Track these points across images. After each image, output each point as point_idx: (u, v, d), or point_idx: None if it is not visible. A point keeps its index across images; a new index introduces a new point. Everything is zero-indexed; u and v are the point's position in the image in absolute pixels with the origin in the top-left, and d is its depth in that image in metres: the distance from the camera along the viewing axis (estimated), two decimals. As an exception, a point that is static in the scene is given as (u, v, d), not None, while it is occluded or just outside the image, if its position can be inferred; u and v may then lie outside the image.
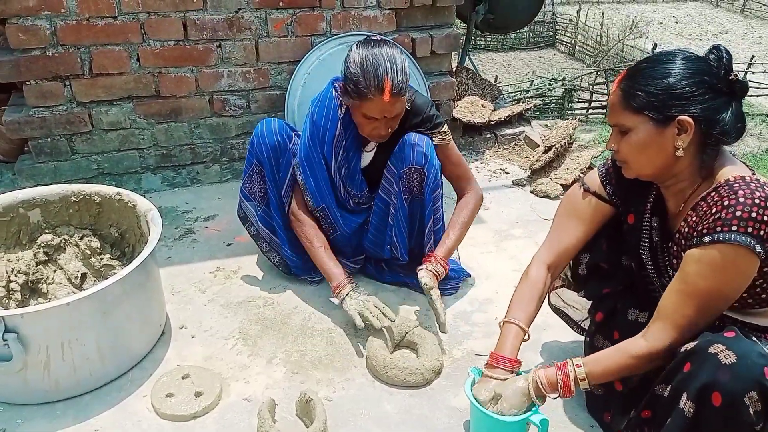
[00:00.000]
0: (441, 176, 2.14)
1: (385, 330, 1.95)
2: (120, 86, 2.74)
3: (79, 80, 2.67)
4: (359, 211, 2.22)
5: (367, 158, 2.18)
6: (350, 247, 2.28)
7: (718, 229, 1.29)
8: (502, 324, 1.64)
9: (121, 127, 2.82)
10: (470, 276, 2.36)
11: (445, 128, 2.14)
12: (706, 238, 1.31)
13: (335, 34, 2.94)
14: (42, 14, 2.53)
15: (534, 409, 1.52)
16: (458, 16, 3.73)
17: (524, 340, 1.61)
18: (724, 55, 1.35)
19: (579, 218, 1.65)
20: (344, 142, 2.08)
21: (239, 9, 2.76)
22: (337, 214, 2.16)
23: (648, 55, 1.44)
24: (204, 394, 1.77)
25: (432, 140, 2.07)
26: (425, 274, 1.99)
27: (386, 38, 1.98)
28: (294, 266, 2.29)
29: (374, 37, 1.95)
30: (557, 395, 1.48)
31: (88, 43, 2.62)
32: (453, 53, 3.31)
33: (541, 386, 1.48)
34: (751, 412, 1.23)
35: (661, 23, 18.59)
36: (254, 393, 1.82)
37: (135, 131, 2.85)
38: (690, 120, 1.31)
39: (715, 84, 1.32)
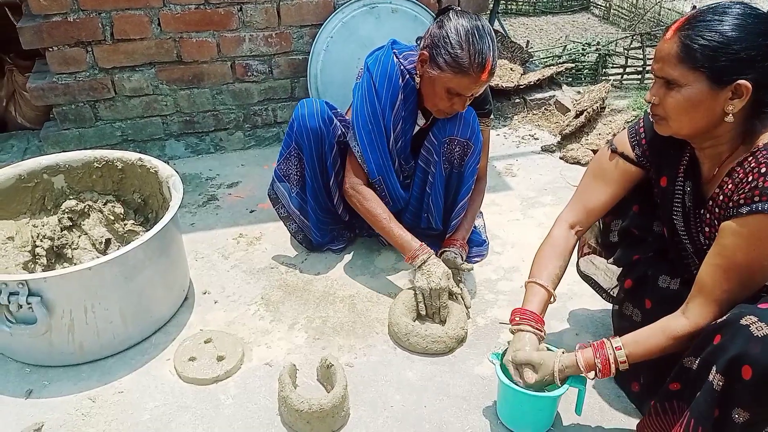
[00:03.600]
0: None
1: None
2: (141, 52, 2.71)
3: (100, 46, 2.66)
4: (406, 185, 2.17)
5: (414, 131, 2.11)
6: None
7: (756, 198, 1.21)
8: (525, 284, 1.60)
9: (143, 93, 2.81)
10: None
11: (492, 117, 2.15)
12: (744, 209, 1.24)
13: (358, -4, 2.86)
14: (63, -22, 2.51)
15: (568, 380, 1.49)
16: (487, -24, 3.59)
17: (550, 302, 1.57)
18: None
19: (604, 179, 1.59)
20: (403, 113, 2.00)
21: (260, -30, 2.71)
22: (396, 185, 2.09)
23: (716, 3, 1.30)
24: (226, 358, 1.77)
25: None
26: (456, 257, 2.03)
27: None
28: (318, 244, 2.28)
29: (458, 8, 1.83)
30: (594, 376, 1.44)
31: (109, 8, 2.59)
32: (481, 14, 3.20)
33: (580, 368, 1.44)
34: None
35: (702, -15, 17.82)
36: (276, 358, 1.82)
37: (158, 97, 2.84)
38: (749, 85, 1.21)
39: None
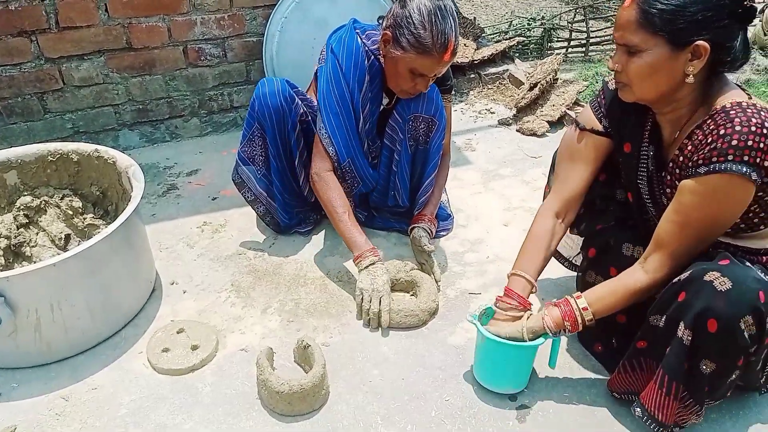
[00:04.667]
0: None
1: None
2: (89, 39, 2.62)
3: (45, 35, 2.56)
4: (374, 165, 2.16)
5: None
6: (359, 199, 2.25)
7: (714, 159, 1.27)
8: (509, 275, 1.64)
9: (93, 82, 2.72)
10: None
11: (453, 93, 2.12)
12: (702, 169, 1.29)
13: (310, -25, 2.83)
14: (-1, -35, 2.40)
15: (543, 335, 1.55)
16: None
17: (531, 292, 1.62)
18: None
19: (581, 160, 1.62)
20: (369, 95, 1.98)
21: (208, -49, 2.64)
22: (365, 166, 2.08)
23: None
24: (200, 347, 1.76)
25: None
26: (424, 234, 2.03)
27: None
28: (285, 226, 2.27)
29: None
30: (565, 332, 1.50)
31: (52, -6, 2.50)
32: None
33: (548, 329, 1.50)
34: (746, 336, 1.25)
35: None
36: (251, 343, 1.81)
37: (109, 86, 2.75)
38: (707, 45, 1.26)
39: (734, 9, 1.26)
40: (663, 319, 1.35)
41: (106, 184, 2.13)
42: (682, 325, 1.29)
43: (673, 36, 1.27)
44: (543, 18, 4.67)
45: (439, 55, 1.77)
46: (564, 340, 1.78)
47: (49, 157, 2.07)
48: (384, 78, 1.98)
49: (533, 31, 4.51)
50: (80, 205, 2.12)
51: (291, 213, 2.24)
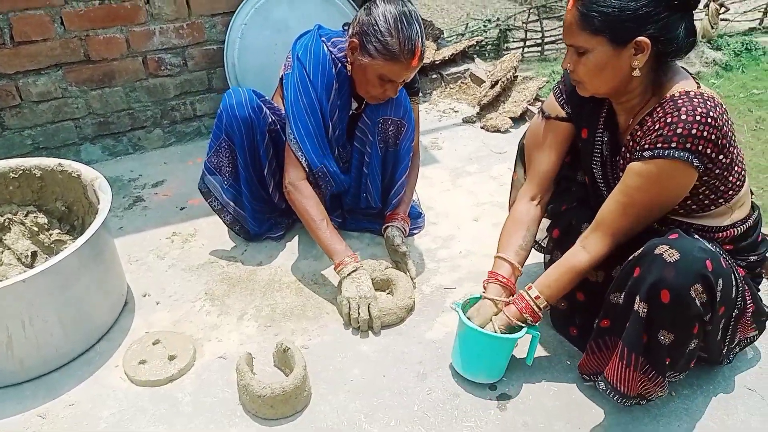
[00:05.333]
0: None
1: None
2: (46, 53, 2.57)
3: (1, 50, 2.49)
4: (345, 170, 2.17)
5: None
6: (330, 203, 2.24)
7: (659, 145, 1.34)
8: (494, 259, 1.71)
9: (52, 97, 2.67)
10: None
11: (421, 95, 2.15)
12: (647, 153, 1.36)
13: (268, -19, 2.83)
14: (-53, -20, 2.34)
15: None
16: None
17: (516, 275, 1.68)
18: None
19: (548, 146, 1.68)
20: (338, 102, 1.99)
21: (163, -40, 2.62)
22: (337, 172, 2.07)
23: None
24: (178, 356, 1.74)
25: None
26: (398, 234, 2.05)
27: None
28: (255, 234, 2.26)
29: None
30: (529, 322, 1.57)
31: (5, 9, 2.44)
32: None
33: (514, 323, 1.58)
34: (698, 304, 1.31)
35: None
36: (229, 350, 1.81)
37: (68, 100, 2.70)
38: (647, 41, 1.32)
39: (671, 1, 1.32)
40: (622, 296, 1.41)
41: (71, 198, 2.09)
42: (637, 299, 1.35)
43: (613, 35, 1.34)
44: (498, 19, 4.78)
45: (407, 60, 1.80)
46: (539, 324, 1.82)
47: (11, 174, 2.02)
48: (352, 84, 1.99)
49: (489, 32, 4.60)
50: (45, 221, 2.08)
51: (261, 220, 2.24)
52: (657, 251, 1.33)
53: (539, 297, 1.55)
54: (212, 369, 1.75)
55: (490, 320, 1.60)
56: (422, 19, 3.88)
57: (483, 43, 4.35)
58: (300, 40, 2.00)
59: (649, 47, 1.33)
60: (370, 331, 1.85)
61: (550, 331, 1.83)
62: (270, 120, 2.06)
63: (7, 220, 2.01)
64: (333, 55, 1.94)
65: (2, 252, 2.00)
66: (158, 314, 1.96)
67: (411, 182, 2.22)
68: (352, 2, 2.94)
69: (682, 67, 1.44)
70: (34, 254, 2.04)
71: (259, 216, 2.22)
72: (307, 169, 1.99)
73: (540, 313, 1.57)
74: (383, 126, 2.04)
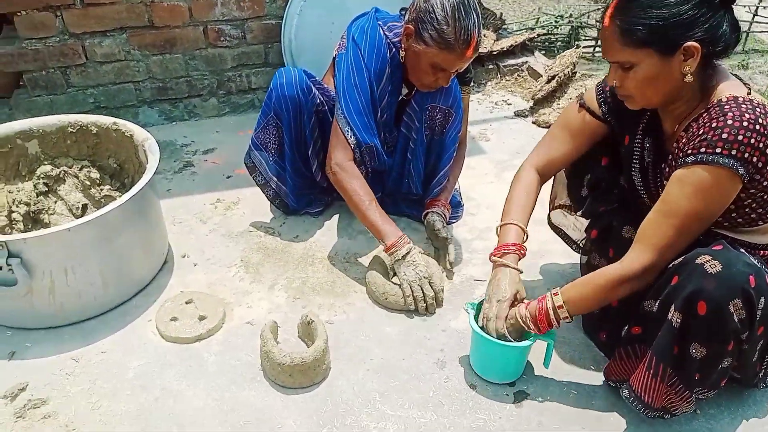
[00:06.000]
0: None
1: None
2: (112, 16, 2.67)
3: (70, 10, 2.61)
4: (389, 153, 2.18)
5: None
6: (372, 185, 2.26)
7: (702, 149, 1.28)
8: (499, 228, 1.66)
9: (115, 59, 2.77)
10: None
11: (472, 85, 2.14)
12: (690, 159, 1.30)
13: (332, -41, 2.84)
14: (28, -60, 2.44)
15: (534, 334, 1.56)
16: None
17: (524, 240, 1.64)
18: None
19: (570, 131, 1.65)
20: (389, 87, 1.99)
21: (232, -68, 2.67)
22: (382, 154, 2.07)
23: None
24: (207, 318, 1.80)
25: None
26: (438, 219, 2.05)
27: None
28: (294, 209, 2.30)
29: None
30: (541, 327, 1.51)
31: (77, -29, 2.55)
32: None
33: (528, 325, 1.52)
34: (736, 320, 1.25)
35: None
36: (257, 317, 1.85)
37: (130, 63, 2.80)
38: (696, 44, 1.27)
39: (712, 1, 1.26)
40: (656, 304, 1.36)
41: (123, 156, 2.18)
42: (672, 308, 1.30)
43: (660, 45, 1.29)
44: (571, 16, 4.64)
45: (461, 50, 1.78)
46: (568, 328, 1.79)
47: (69, 129, 2.12)
48: (404, 70, 1.98)
49: (560, 29, 4.48)
50: (98, 176, 2.17)
51: (300, 196, 2.27)
52: (698, 260, 1.27)
53: (562, 307, 1.47)
54: (239, 333, 1.80)
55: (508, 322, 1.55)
56: (484, 8, 3.83)
57: (552, 39, 4.24)
58: (356, 22, 2.00)
59: (699, 51, 1.27)
60: (393, 311, 1.87)
61: (578, 333, 1.80)
62: (318, 101, 2.07)
63: (62, 172, 2.11)
64: (388, 40, 1.94)
65: (56, 202, 2.10)
66: (194, 275, 2.03)
67: (455, 172, 2.22)
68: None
69: (734, 74, 1.38)
70: (84, 207, 2.13)
71: (299, 192, 2.25)
72: (354, 147, 1.96)
73: (556, 323, 1.49)
74: (431, 113, 2.03)
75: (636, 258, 1.38)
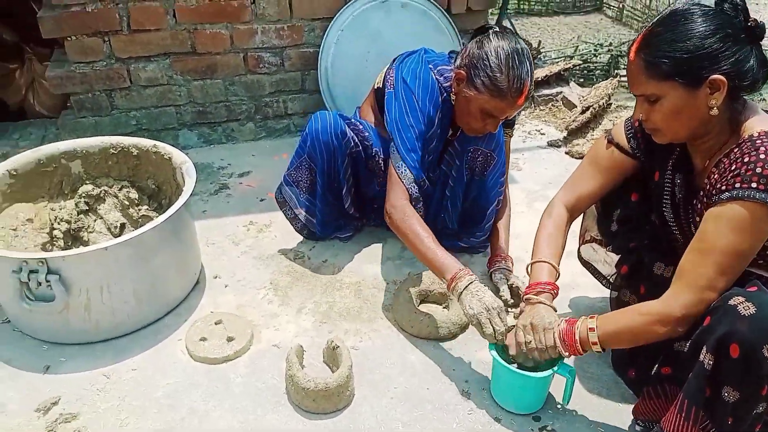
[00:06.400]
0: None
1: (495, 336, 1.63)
2: (157, 42, 2.77)
3: (117, 36, 2.72)
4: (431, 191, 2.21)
5: None
6: None
7: (737, 185, 1.26)
8: (530, 266, 1.65)
9: (158, 83, 2.87)
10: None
11: (515, 127, 2.20)
12: (725, 195, 1.28)
13: (369, -10, 2.91)
14: (81, -30, 2.57)
15: (560, 362, 1.54)
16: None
17: (556, 279, 1.63)
18: (738, 1, 1.29)
19: (598, 167, 1.65)
20: (438, 130, 2.00)
21: (273, -36, 2.76)
22: (429, 186, 2.10)
23: (660, 16, 1.35)
24: (236, 339, 1.83)
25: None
26: (503, 276, 2.08)
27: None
28: (321, 236, 2.33)
29: (498, 29, 1.83)
30: (567, 353, 1.49)
31: (126, -1, 2.66)
32: (489, 10, 3.24)
33: (558, 345, 1.49)
34: None
35: (715, -15, 17.62)
36: (283, 340, 1.87)
37: (172, 87, 2.90)
38: (722, 78, 1.26)
39: (738, 34, 1.26)
40: (687, 345, 1.33)
41: (161, 178, 2.25)
42: (704, 350, 1.27)
43: (685, 78, 1.28)
44: (610, 44, 4.63)
45: (513, 99, 1.78)
46: (597, 363, 1.77)
47: (111, 150, 2.20)
48: (453, 114, 2.00)
49: (599, 57, 4.47)
50: (137, 196, 2.24)
51: (329, 227, 2.30)
52: (732, 302, 1.24)
53: (593, 330, 1.44)
54: (266, 355, 1.82)
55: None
56: (523, 39, 3.86)
57: (591, 68, 4.23)
58: (405, 63, 2.01)
59: (725, 84, 1.27)
60: (417, 339, 1.86)
61: (607, 369, 1.77)
62: (352, 143, 2.09)
63: (103, 191, 2.18)
64: (440, 84, 1.96)
65: (95, 221, 2.18)
66: (225, 296, 2.06)
67: (505, 222, 2.23)
68: (449, 18, 2.97)
69: (765, 110, 1.36)
70: (122, 226, 2.20)
71: (327, 222, 2.28)
72: (409, 184, 1.93)
73: (576, 339, 1.45)
74: (472, 155, 2.06)
75: (674, 295, 1.36)
